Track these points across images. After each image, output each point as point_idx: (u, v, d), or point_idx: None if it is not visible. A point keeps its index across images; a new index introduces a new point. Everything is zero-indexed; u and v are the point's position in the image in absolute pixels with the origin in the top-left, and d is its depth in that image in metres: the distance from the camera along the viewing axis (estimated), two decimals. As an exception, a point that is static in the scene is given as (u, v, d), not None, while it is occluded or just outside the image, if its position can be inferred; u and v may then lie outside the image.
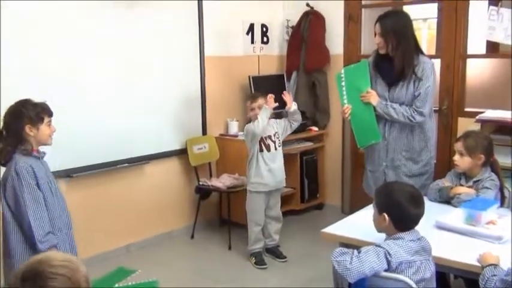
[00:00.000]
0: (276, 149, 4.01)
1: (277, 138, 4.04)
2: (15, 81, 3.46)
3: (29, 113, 2.65)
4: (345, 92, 3.46)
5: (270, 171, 3.96)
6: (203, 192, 4.66)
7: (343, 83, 3.47)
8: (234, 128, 4.90)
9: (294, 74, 5.25)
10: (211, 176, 4.80)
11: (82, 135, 3.79)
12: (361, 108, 3.42)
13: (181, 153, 4.61)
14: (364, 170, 3.67)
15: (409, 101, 3.34)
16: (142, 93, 4.28)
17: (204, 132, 4.78)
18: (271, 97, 3.87)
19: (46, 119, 2.71)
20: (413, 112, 3.32)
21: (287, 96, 3.98)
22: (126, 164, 4.20)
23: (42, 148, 2.74)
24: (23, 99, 2.72)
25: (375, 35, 3.30)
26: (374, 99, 3.39)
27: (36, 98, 2.72)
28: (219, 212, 4.94)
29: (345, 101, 3.46)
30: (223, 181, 4.57)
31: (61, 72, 3.73)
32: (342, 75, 3.49)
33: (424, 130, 3.40)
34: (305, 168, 5.13)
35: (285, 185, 4.21)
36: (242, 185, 4.46)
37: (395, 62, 3.29)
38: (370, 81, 3.43)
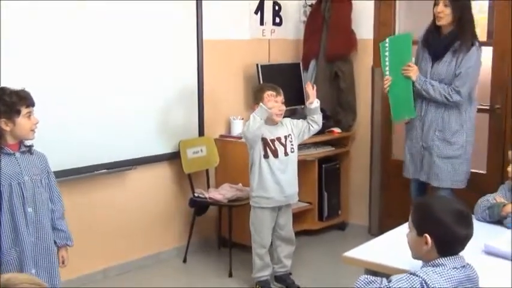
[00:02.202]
0: (286, 154, 3.99)
1: (290, 141, 4.02)
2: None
3: (3, 106, 2.73)
4: (387, 63, 4.08)
5: (277, 183, 3.95)
6: (199, 206, 4.67)
7: (386, 53, 4.07)
8: (237, 127, 4.90)
9: (313, 63, 5.27)
10: (209, 186, 4.81)
11: (50, 134, 3.77)
12: (400, 82, 4.06)
13: (173, 157, 4.63)
14: (403, 151, 4.29)
15: (449, 78, 3.95)
16: (124, 85, 4.30)
17: (201, 132, 4.79)
18: (270, 95, 3.87)
19: (24, 111, 2.78)
20: (451, 91, 3.92)
21: (310, 89, 3.97)
22: (105, 170, 4.21)
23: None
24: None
25: (435, 4, 3.91)
26: (414, 73, 4.01)
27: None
28: (217, 231, 4.95)
29: (387, 72, 4.09)
30: (223, 192, 4.58)
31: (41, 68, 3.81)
32: (387, 44, 4.08)
33: (461, 111, 3.98)
34: (324, 179, 5.14)
35: (297, 200, 4.20)
36: (247, 197, 4.46)
37: (452, 32, 3.91)
38: (417, 56, 4.10)
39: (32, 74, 3.77)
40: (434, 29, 3.99)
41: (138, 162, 4.42)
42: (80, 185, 4.13)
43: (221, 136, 4.94)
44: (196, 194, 4.63)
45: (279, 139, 3.98)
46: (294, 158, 4.04)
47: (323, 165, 5.12)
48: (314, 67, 5.25)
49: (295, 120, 4.12)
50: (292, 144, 4.02)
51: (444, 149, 4.03)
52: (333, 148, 5.18)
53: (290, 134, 4.03)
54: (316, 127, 4.08)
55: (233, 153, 4.80)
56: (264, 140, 3.93)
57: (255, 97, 3.96)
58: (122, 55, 4.27)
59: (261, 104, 3.82)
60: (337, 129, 5.22)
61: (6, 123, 2.76)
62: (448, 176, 4.06)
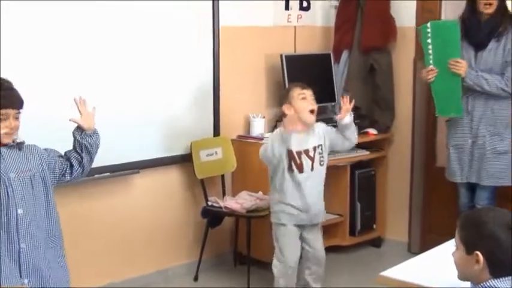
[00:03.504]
0: (312, 169, 3.96)
1: (320, 153, 3.99)
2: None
3: None
4: (430, 51, 4.15)
5: (301, 200, 3.95)
6: (213, 217, 4.66)
7: (429, 40, 4.15)
8: (258, 127, 4.90)
9: (345, 54, 5.26)
10: (224, 193, 4.80)
11: (46, 132, 3.78)
12: (446, 76, 4.15)
13: (184, 160, 4.63)
14: (447, 152, 4.38)
15: (498, 67, 4.13)
16: (129, 78, 4.31)
17: (216, 132, 4.80)
18: (292, 115, 3.84)
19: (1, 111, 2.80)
20: (507, 81, 4.08)
21: (345, 102, 3.96)
22: (108, 174, 4.22)
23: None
24: None
25: None
26: (463, 70, 4.11)
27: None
28: (234, 245, 4.95)
29: (430, 61, 4.18)
30: (241, 201, 4.57)
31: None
32: (428, 30, 4.14)
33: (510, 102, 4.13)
34: (358, 188, 5.13)
35: (323, 219, 4.18)
36: (267, 207, 4.43)
37: (493, 19, 4.10)
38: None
39: (32, 71, 3.82)
40: (472, 16, 4.18)
41: (144, 165, 4.43)
42: (79, 189, 4.14)
43: (239, 137, 4.93)
44: (209, 203, 4.63)
45: (306, 152, 3.95)
46: (322, 171, 4.03)
47: (356, 172, 5.11)
48: (346, 59, 5.24)
49: (330, 127, 4.08)
50: (322, 157, 4.00)
51: (497, 144, 4.20)
52: (368, 152, 5.15)
53: (321, 145, 3.99)
54: (348, 145, 4.09)
55: (253, 157, 4.71)
56: (289, 152, 3.91)
57: (282, 99, 3.97)
58: (127, 46, 4.29)
59: (280, 129, 3.88)
60: (372, 131, 5.19)
61: None
62: (503, 173, 4.20)
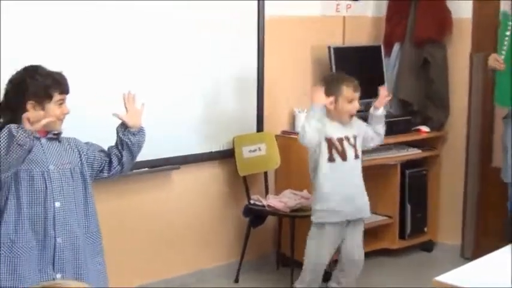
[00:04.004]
0: (357, 157, 3.96)
1: (359, 144, 4.00)
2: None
3: (35, 86, 2.83)
4: (506, 43, 4.21)
5: (345, 192, 3.92)
6: (255, 216, 4.67)
7: (508, 32, 4.19)
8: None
9: (397, 47, 5.24)
10: (267, 191, 4.81)
11: (82, 127, 3.74)
12: None
13: (226, 156, 4.65)
14: (503, 152, 4.32)
15: None
16: (170, 70, 4.34)
17: (260, 127, 4.81)
18: (317, 90, 3.86)
19: (57, 97, 2.88)
20: None
21: (382, 92, 3.98)
22: (147, 169, 4.25)
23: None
24: (33, 65, 2.90)
25: None
26: None
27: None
28: (277, 246, 4.95)
29: (503, 52, 4.23)
30: (285, 200, 4.57)
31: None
32: (510, 23, 4.21)
33: None
34: (408, 188, 5.10)
35: (369, 214, 4.14)
36: None
37: None
38: None
39: (67, 62, 3.79)
40: None
41: (184, 161, 4.45)
42: (117, 185, 4.15)
43: (283, 132, 4.93)
44: (252, 201, 4.64)
45: (347, 138, 3.94)
46: (360, 163, 4.02)
47: (407, 171, 5.08)
48: (398, 52, 5.22)
49: (360, 121, 4.09)
50: (359, 147, 4.00)
51: None
52: (420, 151, 5.13)
53: (356, 136, 3.99)
54: (377, 141, 4.10)
55: (297, 153, 4.74)
56: (328, 140, 3.89)
57: (329, 87, 3.91)
58: (168, 37, 4.31)
59: (314, 103, 3.82)
60: (425, 128, 5.16)
61: (34, 107, 2.84)
62: None
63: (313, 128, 3.80)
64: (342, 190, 3.91)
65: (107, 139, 3.19)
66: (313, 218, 3.99)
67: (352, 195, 3.94)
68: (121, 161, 3.11)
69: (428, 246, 5.29)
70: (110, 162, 3.11)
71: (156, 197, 4.43)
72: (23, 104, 2.82)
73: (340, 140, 3.91)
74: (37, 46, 3.74)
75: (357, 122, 4.04)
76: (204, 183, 4.64)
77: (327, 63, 4.95)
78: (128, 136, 3.07)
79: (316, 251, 3.98)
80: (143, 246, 4.40)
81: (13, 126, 2.66)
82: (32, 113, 2.73)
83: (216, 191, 4.71)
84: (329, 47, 4.92)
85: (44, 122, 2.71)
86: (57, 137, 2.97)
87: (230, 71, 4.62)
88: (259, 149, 4.75)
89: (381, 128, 4.05)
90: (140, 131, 3.12)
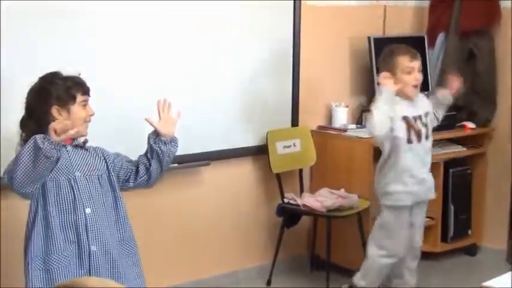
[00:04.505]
0: (427, 137, 3.99)
1: (429, 121, 4.01)
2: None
3: (57, 90, 2.87)
4: None
5: (420, 173, 3.95)
6: (289, 215, 4.66)
7: None
8: (341, 117, 4.88)
9: (441, 37, 5.20)
10: (302, 190, 4.79)
11: (109, 121, 3.83)
12: None
13: (258, 152, 4.64)
14: None
15: None
16: (201, 62, 4.34)
17: (295, 122, 4.79)
18: (385, 77, 3.79)
19: (80, 98, 2.91)
20: None
21: (454, 80, 3.99)
22: (176, 165, 4.22)
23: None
24: (50, 72, 2.94)
25: None
26: None
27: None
28: (311, 248, 4.94)
29: None
30: (321, 199, 4.54)
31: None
32: None
33: None
34: (451, 188, 5.06)
35: (434, 196, 4.17)
36: (351, 206, 4.42)
37: None
38: None
39: (93, 60, 3.88)
40: None
41: (215, 157, 4.45)
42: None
43: (320, 127, 4.92)
44: (286, 200, 4.62)
45: (420, 117, 3.95)
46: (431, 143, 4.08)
47: (450, 170, 5.04)
48: (443, 43, 5.19)
49: (426, 98, 4.10)
50: (430, 126, 4.02)
51: None
52: (464, 148, 5.10)
53: (428, 112, 4.00)
54: (434, 123, 4.13)
55: (334, 150, 4.77)
56: (405, 118, 3.88)
57: (385, 62, 3.89)
58: (198, 29, 4.30)
59: (381, 87, 3.76)
60: (470, 124, 5.13)
61: (59, 112, 2.87)
62: None
63: (383, 114, 3.75)
64: (417, 171, 3.95)
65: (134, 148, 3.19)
66: (388, 201, 3.97)
67: (424, 175, 3.99)
68: (148, 170, 3.07)
69: (472, 250, 5.25)
70: (137, 171, 3.08)
71: (184, 194, 4.43)
72: (47, 111, 2.85)
73: (415, 119, 3.92)
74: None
75: (423, 99, 4.04)
76: (235, 181, 4.64)
77: (366, 54, 4.94)
78: (159, 145, 3.04)
79: (394, 237, 3.96)
80: (172, 246, 4.41)
81: (39, 137, 2.67)
82: (58, 123, 2.72)
83: (247, 189, 4.71)
84: (369, 38, 4.90)
85: (71, 132, 2.71)
86: (83, 145, 2.97)
87: (264, 63, 4.62)
88: (294, 145, 4.73)
89: (441, 115, 4.11)
90: (172, 140, 3.08)
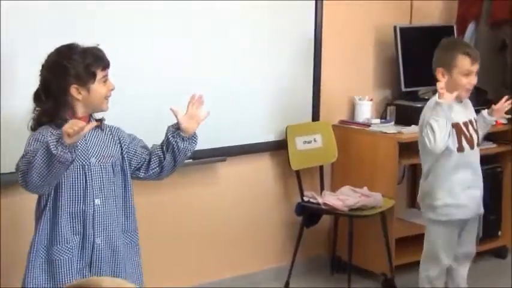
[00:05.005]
0: (478, 144, 3.89)
1: (479, 127, 3.92)
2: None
3: (75, 68, 2.82)
4: None
5: (472, 185, 3.84)
6: (309, 214, 4.65)
7: None
8: (364, 111, 4.87)
9: (471, 27, 5.19)
10: (323, 188, 4.79)
11: (120, 113, 3.71)
12: None
13: (277, 147, 4.64)
14: None
15: None
16: (218, 53, 4.35)
17: (316, 116, 4.79)
18: (442, 87, 3.64)
19: (100, 74, 2.87)
20: None
21: (502, 102, 3.92)
22: (190, 161, 4.19)
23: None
24: (66, 44, 2.88)
25: None
26: None
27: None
28: (331, 249, 4.94)
29: None
30: (343, 198, 4.53)
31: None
32: None
33: None
34: None
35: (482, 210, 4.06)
36: (374, 206, 4.42)
37: None
38: None
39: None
40: None
41: (231, 152, 4.46)
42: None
43: (342, 122, 4.92)
44: (306, 198, 4.61)
45: (471, 122, 3.84)
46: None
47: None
48: (473, 33, 5.17)
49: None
50: (480, 133, 3.94)
51: None
52: (494, 145, 5.07)
53: (473, 120, 3.89)
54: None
55: (357, 146, 4.77)
56: (456, 126, 3.75)
57: (442, 56, 3.77)
58: (217, 20, 4.31)
59: (437, 100, 3.62)
60: (502, 120, 4.94)
61: (79, 91, 2.83)
62: None
63: (444, 128, 3.62)
64: (469, 183, 3.83)
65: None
66: (437, 216, 3.84)
67: (478, 187, 3.88)
68: (162, 163, 3.04)
69: (502, 253, 5.24)
70: (149, 162, 3.05)
71: (199, 191, 4.43)
72: (66, 89, 2.81)
73: (466, 125, 3.82)
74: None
75: (470, 103, 3.93)
76: (252, 177, 4.64)
77: (391, 45, 4.93)
78: (177, 140, 2.99)
79: (438, 252, 3.88)
80: (184, 246, 4.41)
81: (51, 142, 2.63)
82: (70, 126, 2.65)
83: (265, 186, 4.71)
84: (395, 27, 4.90)
85: (87, 129, 2.68)
86: (100, 124, 2.94)
87: (284, 53, 4.61)
88: (315, 140, 4.72)
89: (482, 134, 3.98)
90: (191, 138, 3.03)
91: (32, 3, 3.70)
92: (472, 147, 3.79)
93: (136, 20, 4.01)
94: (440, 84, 3.65)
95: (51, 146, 2.61)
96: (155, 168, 3.05)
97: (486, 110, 3.97)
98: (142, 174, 3.06)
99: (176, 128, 3.00)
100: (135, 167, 3.05)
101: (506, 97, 3.94)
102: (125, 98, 3.66)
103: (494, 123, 4.00)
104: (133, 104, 3.96)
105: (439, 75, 3.71)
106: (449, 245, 3.89)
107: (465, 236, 3.95)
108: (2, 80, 3.59)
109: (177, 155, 3.01)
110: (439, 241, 3.88)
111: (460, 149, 3.76)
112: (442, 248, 3.88)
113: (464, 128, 3.77)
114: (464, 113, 3.82)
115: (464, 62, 3.71)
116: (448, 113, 3.63)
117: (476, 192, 3.87)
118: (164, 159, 3.02)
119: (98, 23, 3.89)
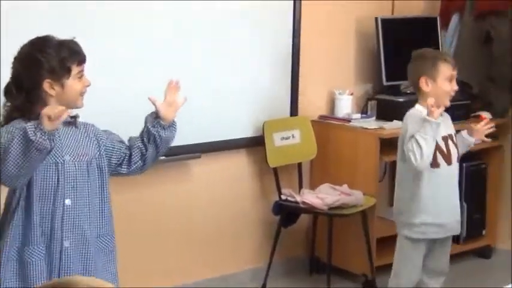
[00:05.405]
0: (458, 158, 3.88)
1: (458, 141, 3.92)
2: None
3: (49, 62, 2.79)
4: None
5: (450, 202, 3.87)
6: (287, 213, 4.64)
7: None
8: (345, 106, 4.87)
9: (455, 19, 5.21)
10: (301, 186, 4.78)
11: (92, 109, 3.75)
12: None
13: (254, 144, 4.64)
14: None
15: None
16: (192, 45, 4.33)
17: (294, 111, 4.79)
18: (433, 105, 3.63)
19: (75, 69, 2.84)
20: None
21: (483, 124, 3.90)
22: (163, 158, 4.12)
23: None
24: (41, 36, 2.87)
25: None
26: None
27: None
28: (310, 249, 4.94)
29: None
30: (322, 196, 4.53)
31: None
32: None
33: None
34: (465, 184, 5.03)
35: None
36: (355, 204, 4.42)
37: None
38: None
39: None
40: None
41: (206, 149, 4.44)
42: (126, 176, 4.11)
43: (321, 117, 4.91)
44: (283, 197, 4.61)
45: (451, 136, 3.84)
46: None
47: (463, 164, 4.97)
48: (457, 25, 5.19)
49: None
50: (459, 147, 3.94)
51: None
52: (479, 141, 5.00)
53: (453, 134, 3.90)
54: None
55: (337, 142, 4.77)
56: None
57: (423, 67, 3.77)
58: (192, 13, 4.31)
59: (428, 118, 3.62)
60: (485, 114, 5.08)
61: (52, 86, 2.80)
62: None
63: (430, 147, 3.64)
64: (447, 200, 3.85)
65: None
66: (411, 233, 3.84)
67: (456, 205, 3.90)
68: (144, 155, 3.03)
69: (486, 253, 5.27)
70: (130, 156, 3.04)
71: (172, 190, 4.41)
72: (38, 84, 2.78)
73: (445, 139, 3.80)
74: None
75: (449, 117, 3.93)
76: (228, 175, 4.63)
77: (373, 37, 4.93)
78: (158, 129, 2.99)
79: (409, 268, 3.89)
80: (156, 246, 4.39)
81: (29, 128, 2.59)
82: (51, 108, 2.64)
83: (242, 184, 4.70)
84: (376, 19, 4.90)
85: (64, 116, 2.65)
86: (74, 120, 2.91)
87: (261, 46, 4.60)
88: (293, 136, 4.72)
89: (460, 154, 3.94)
90: (171, 126, 3.04)
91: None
92: (449, 163, 3.79)
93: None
94: (431, 101, 3.65)
95: (29, 132, 2.58)
96: (137, 161, 3.04)
97: (466, 130, 3.94)
98: (125, 169, 3.05)
99: (155, 117, 3.00)
100: (116, 163, 3.02)
101: (486, 120, 3.93)
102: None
103: (473, 145, 3.93)
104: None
105: (422, 84, 3.72)
106: (421, 262, 3.91)
107: (439, 252, 3.96)
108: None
109: (159, 144, 3.02)
110: (411, 258, 3.89)
111: (435, 164, 3.75)
112: (414, 265, 3.89)
113: (442, 143, 3.76)
114: (444, 127, 3.80)
115: (446, 68, 3.76)
116: (436, 131, 3.66)
117: (454, 209, 3.89)
118: (146, 150, 3.02)
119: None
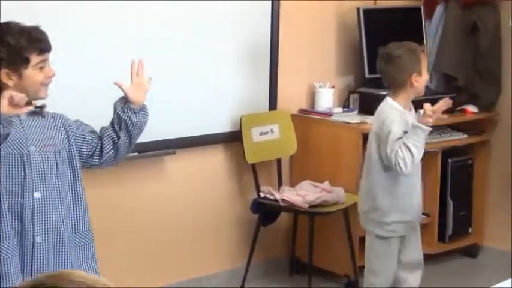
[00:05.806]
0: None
1: None
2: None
3: (6, 51, 2.76)
4: None
5: (417, 197, 3.92)
6: (266, 212, 4.65)
7: None
8: (326, 99, 4.88)
9: (440, 9, 5.21)
10: (281, 183, 4.79)
11: (62, 103, 3.62)
12: None
13: (231, 139, 4.64)
14: None
15: None
16: (165, 35, 4.33)
17: (273, 105, 4.79)
18: (429, 110, 3.65)
19: (35, 59, 2.81)
20: None
21: (443, 104, 3.79)
22: (136, 154, 4.17)
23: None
24: (4, 22, 2.87)
25: None
26: None
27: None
28: (291, 249, 4.94)
29: None
30: (302, 193, 4.54)
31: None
32: None
33: None
34: (451, 180, 5.09)
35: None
36: (336, 202, 4.43)
37: None
38: None
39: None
40: None
41: (181, 145, 4.44)
42: (100, 172, 3.95)
43: (301, 111, 4.93)
44: (262, 194, 4.61)
45: None
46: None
47: (449, 160, 5.07)
48: (442, 15, 5.20)
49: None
50: None
51: None
52: (465, 135, 5.13)
53: None
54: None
55: (318, 137, 4.79)
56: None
57: (411, 64, 3.74)
58: (168, 3, 4.31)
59: (415, 123, 3.64)
60: (472, 108, 5.13)
61: (9, 76, 2.78)
62: None
63: (421, 154, 3.70)
64: (415, 196, 3.90)
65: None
66: (383, 232, 3.88)
67: (417, 198, 3.94)
68: (116, 144, 3.01)
69: (472, 251, 5.30)
70: (102, 146, 3.02)
71: (145, 188, 4.40)
72: None
73: None
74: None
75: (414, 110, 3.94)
76: (204, 172, 4.62)
77: (354, 28, 4.95)
78: (128, 114, 2.98)
79: (385, 267, 3.94)
80: (127, 247, 4.37)
81: None
82: (15, 93, 2.62)
83: (218, 181, 4.69)
84: (358, 9, 4.93)
85: (25, 110, 2.66)
86: (40, 110, 2.89)
87: (238, 38, 4.60)
88: (272, 131, 4.73)
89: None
90: (142, 109, 3.03)
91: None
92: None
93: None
94: (429, 107, 3.66)
95: None
96: (109, 151, 3.03)
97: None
98: (97, 160, 3.04)
99: (124, 102, 2.98)
100: (87, 154, 3.01)
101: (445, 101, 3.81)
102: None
103: (430, 128, 3.79)
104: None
105: (413, 81, 3.72)
106: (396, 257, 3.94)
107: (411, 242, 3.98)
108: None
109: (131, 130, 3.00)
110: (386, 254, 3.92)
111: None
112: (390, 260, 3.93)
113: None
114: (411, 119, 3.81)
115: (423, 56, 3.81)
116: (426, 138, 3.71)
117: (418, 201, 3.95)
118: (118, 138, 3.01)
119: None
